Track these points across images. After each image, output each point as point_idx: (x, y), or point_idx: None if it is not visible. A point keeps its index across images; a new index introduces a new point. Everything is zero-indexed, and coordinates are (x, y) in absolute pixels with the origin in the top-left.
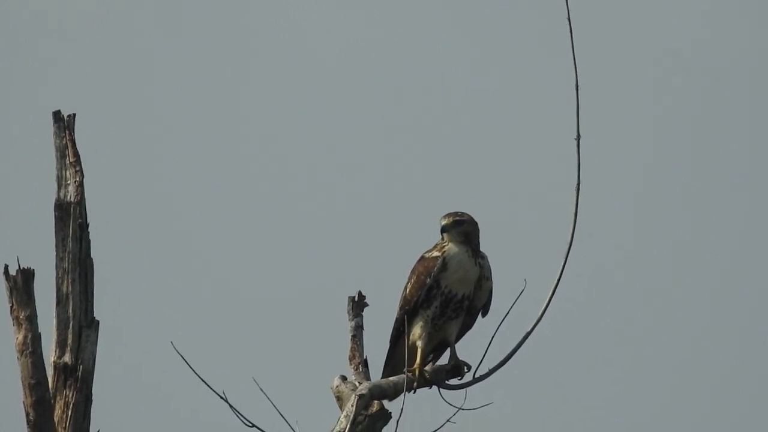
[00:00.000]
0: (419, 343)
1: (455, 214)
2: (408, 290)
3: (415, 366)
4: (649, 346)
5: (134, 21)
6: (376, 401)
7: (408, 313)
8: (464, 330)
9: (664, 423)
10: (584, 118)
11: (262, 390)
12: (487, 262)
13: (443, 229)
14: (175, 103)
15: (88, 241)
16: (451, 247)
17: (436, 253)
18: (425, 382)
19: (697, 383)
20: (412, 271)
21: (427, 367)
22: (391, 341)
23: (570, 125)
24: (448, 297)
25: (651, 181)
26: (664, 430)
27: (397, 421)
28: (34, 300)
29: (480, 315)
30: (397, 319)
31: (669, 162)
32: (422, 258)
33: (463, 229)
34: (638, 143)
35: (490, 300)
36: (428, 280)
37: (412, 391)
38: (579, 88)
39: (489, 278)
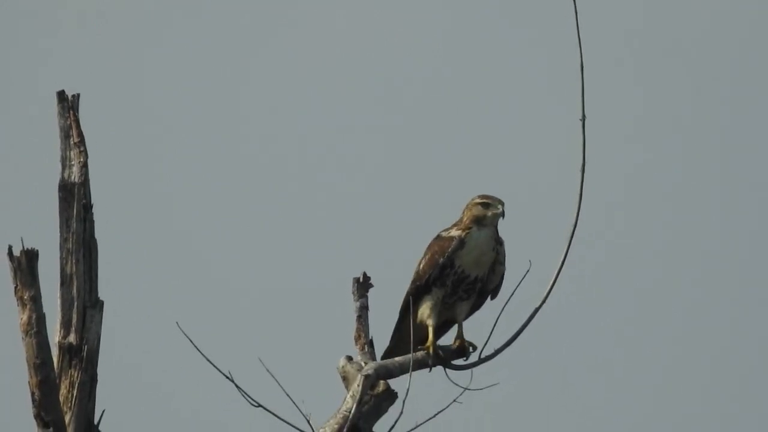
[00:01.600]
0: (429, 321)
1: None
2: (421, 267)
3: (428, 344)
4: (652, 332)
5: (134, 18)
6: (382, 381)
7: (419, 290)
8: (473, 310)
9: (665, 409)
10: (589, 113)
11: (267, 370)
12: (504, 248)
13: (503, 214)
14: (174, 97)
15: (92, 222)
16: (474, 229)
17: (454, 233)
18: (438, 359)
19: (696, 379)
20: (428, 248)
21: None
22: (400, 312)
23: (571, 119)
24: (460, 277)
25: (652, 177)
26: (665, 409)
27: (404, 401)
28: (38, 280)
29: (489, 297)
30: (408, 292)
31: (666, 160)
32: (438, 236)
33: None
34: (639, 139)
35: (501, 284)
36: (441, 259)
37: (428, 369)
38: (584, 68)
39: (503, 263)
